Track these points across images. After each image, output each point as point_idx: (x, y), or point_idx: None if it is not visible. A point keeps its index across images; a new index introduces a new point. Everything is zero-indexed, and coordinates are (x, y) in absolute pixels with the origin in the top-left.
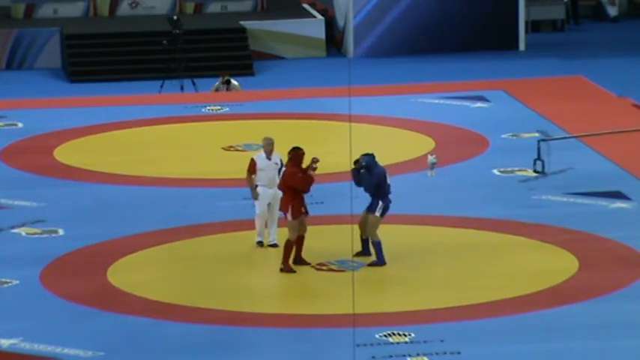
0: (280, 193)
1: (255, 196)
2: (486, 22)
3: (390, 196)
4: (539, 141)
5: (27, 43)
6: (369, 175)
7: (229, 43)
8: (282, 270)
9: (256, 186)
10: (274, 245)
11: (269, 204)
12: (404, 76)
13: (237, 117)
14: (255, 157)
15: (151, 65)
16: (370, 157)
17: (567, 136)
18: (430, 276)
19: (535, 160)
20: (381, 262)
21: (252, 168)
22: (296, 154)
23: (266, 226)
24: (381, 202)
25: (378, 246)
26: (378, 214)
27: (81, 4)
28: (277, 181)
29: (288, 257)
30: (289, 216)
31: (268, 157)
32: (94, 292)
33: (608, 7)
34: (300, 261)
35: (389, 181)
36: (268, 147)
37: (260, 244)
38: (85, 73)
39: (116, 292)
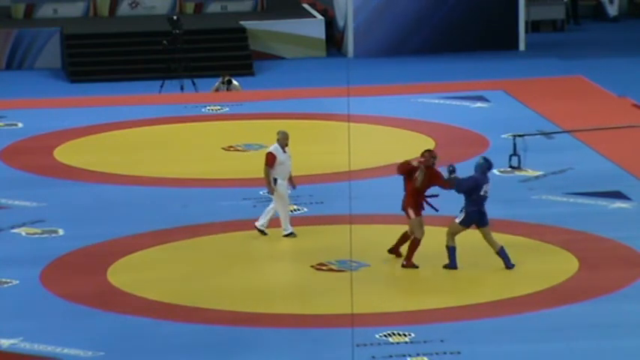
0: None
1: (272, 191)
2: (486, 22)
3: (484, 208)
4: (514, 136)
5: (27, 43)
6: (459, 180)
7: (229, 43)
8: (403, 265)
9: (275, 180)
10: (291, 234)
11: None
12: (404, 76)
13: (237, 117)
14: (272, 151)
15: (151, 65)
16: (483, 161)
17: (540, 132)
18: (430, 276)
19: (510, 156)
20: (452, 265)
21: (271, 161)
22: (430, 154)
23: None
24: (464, 210)
25: (451, 251)
26: (457, 220)
27: (81, 4)
28: (291, 174)
29: (412, 254)
30: (412, 213)
31: (284, 151)
32: (94, 292)
33: (608, 7)
34: (394, 251)
35: (485, 192)
36: (285, 140)
37: (292, 234)
38: (85, 73)
39: (116, 292)
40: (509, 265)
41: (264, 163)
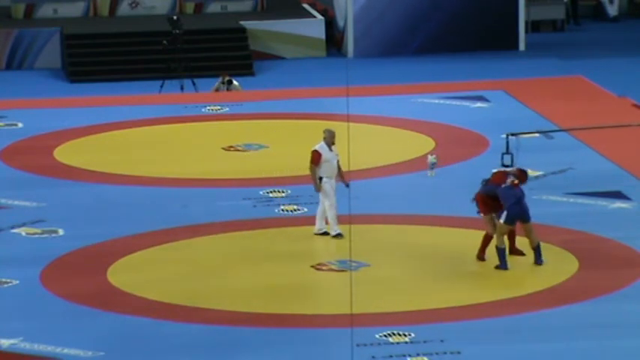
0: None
1: (319, 189)
2: (486, 22)
3: (524, 202)
4: (507, 135)
5: (27, 43)
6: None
7: (229, 43)
8: (477, 257)
9: (320, 178)
10: (339, 235)
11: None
12: (404, 76)
13: (237, 117)
14: (317, 149)
15: (151, 65)
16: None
17: (537, 131)
18: (430, 276)
19: (503, 154)
20: (502, 266)
21: (316, 160)
22: (523, 174)
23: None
24: (505, 211)
25: (500, 252)
26: (501, 220)
27: (81, 4)
28: (337, 172)
29: (484, 247)
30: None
31: (330, 149)
32: (94, 292)
33: (608, 7)
34: (514, 251)
35: (511, 182)
36: (331, 138)
37: (326, 233)
38: (85, 73)
39: (116, 292)
40: (537, 262)
41: (309, 161)
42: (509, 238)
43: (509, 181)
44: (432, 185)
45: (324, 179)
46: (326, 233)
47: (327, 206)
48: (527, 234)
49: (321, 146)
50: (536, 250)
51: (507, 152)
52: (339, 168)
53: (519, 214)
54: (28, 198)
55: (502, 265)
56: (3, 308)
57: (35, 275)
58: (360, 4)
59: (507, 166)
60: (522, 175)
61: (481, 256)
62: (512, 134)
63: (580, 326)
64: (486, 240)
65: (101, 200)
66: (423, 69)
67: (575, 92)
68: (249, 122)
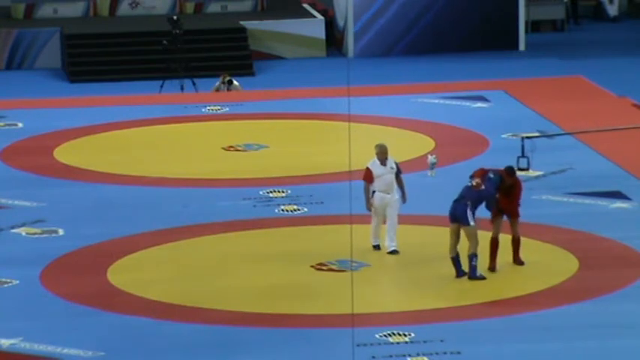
0: (398, 200)
1: (369, 207)
2: (486, 22)
3: (460, 203)
4: (523, 138)
5: (27, 43)
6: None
7: (229, 43)
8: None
9: (373, 192)
10: (394, 252)
11: (386, 209)
12: (404, 76)
13: (237, 117)
14: (369, 166)
15: (151, 65)
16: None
17: (548, 134)
18: (431, 276)
19: (519, 158)
20: (458, 274)
21: (368, 177)
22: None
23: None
24: None
25: (451, 261)
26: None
27: (81, 4)
28: (395, 186)
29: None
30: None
31: (383, 164)
32: (94, 292)
33: (608, 7)
34: (516, 261)
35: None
36: (382, 155)
37: (376, 247)
38: (85, 73)
39: (116, 292)
40: (470, 274)
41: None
42: (512, 246)
43: (474, 182)
44: (432, 185)
45: (376, 193)
46: (395, 252)
47: (373, 220)
48: (467, 238)
49: (372, 162)
50: (469, 260)
51: (523, 155)
52: (399, 182)
53: (451, 214)
54: (28, 198)
55: (457, 274)
56: (3, 308)
57: (35, 275)
58: (359, 3)
59: (524, 170)
60: (480, 173)
61: (492, 266)
62: (528, 137)
63: (580, 326)
64: (494, 246)
65: (101, 200)
66: (423, 69)
67: (575, 92)
68: (249, 122)
